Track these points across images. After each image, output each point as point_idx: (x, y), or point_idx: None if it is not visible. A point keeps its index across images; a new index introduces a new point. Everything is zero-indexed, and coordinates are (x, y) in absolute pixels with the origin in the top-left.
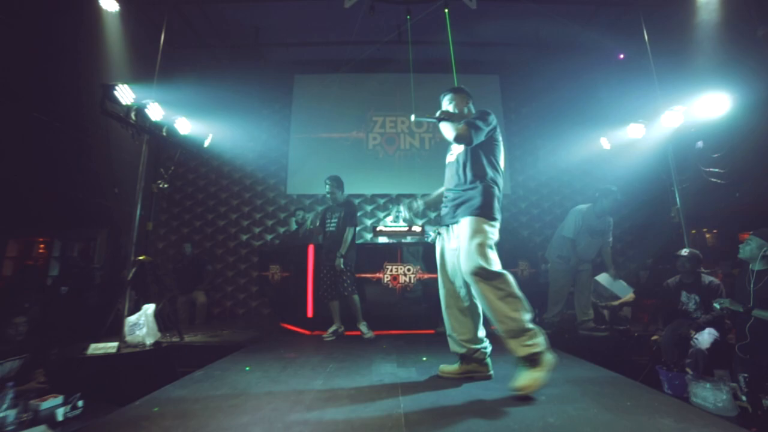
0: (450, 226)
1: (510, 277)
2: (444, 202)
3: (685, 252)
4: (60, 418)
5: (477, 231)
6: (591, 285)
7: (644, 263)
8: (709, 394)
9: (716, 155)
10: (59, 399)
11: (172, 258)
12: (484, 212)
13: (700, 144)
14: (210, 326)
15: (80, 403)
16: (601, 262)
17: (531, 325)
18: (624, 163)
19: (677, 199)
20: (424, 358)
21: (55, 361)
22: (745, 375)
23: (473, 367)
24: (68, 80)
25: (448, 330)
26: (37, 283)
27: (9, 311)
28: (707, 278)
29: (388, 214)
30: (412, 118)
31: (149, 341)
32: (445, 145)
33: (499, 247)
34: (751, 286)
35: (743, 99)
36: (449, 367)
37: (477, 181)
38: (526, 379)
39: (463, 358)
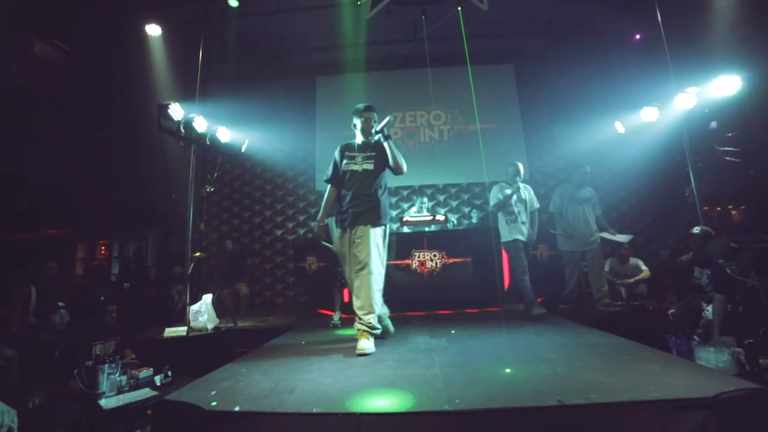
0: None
1: None
2: (357, 203)
3: (696, 230)
4: (158, 383)
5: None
6: (601, 264)
7: (665, 242)
8: (711, 357)
9: (731, 134)
10: (150, 371)
11: (214, 254)
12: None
13: (713, 124)
14: (254, 315)
15: (170, 373)
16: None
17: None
18: (639, 146)
19: (692, 179)
20: (453, 331)
21: (140, 342)
22: (751, 340)
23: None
24: (123, 100)
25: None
26: (105, 280)
27: (91, 304)
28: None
29: (413, 205)
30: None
31: (210, 326)
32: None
33: None
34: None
35: (758, 77)
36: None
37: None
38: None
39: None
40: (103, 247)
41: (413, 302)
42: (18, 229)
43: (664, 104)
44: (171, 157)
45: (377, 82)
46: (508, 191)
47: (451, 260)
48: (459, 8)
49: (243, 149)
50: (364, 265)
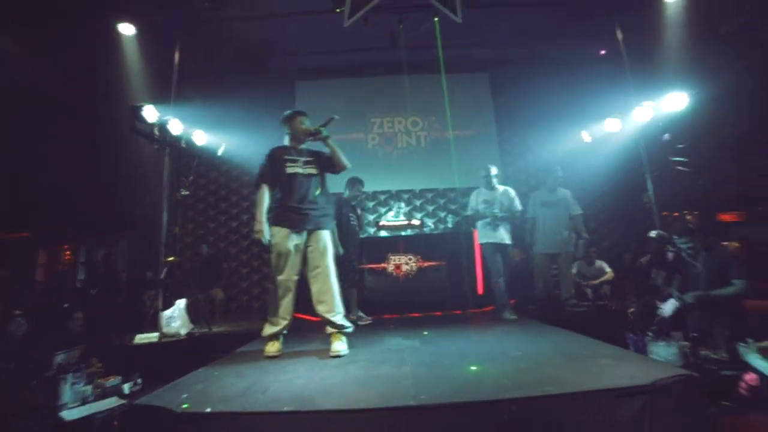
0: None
1: None
2: (318, 208)
3: (653, 234)
4: (126, 391)
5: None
6: (571, 268)
7: (628, 246)
8: (662, 350)
9: (681, 146)
10: (118, 379)
11: (189, 259)
12: None
13: (666, 136)
14: (230, 320)
15: (140, 380)
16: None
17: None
18: (603, 155)
19: (649, 186)
20: (426, 333)
21: (108, 350)
22: (695, 334)
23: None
24: (94, 99)
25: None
26: (70, 286)
27: (50, 311)
28: (669, 255)
29: (390, 209)
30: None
31: (183, 332)
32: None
33: None
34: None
35: (704, 94)
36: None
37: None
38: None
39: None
40: (68, 252)
41: (389, 305)
42: None
43: (625, 116)
44: (145, 160)
45: (356, 89)
46: (483, 197)
47: (426, 264)
48: (436, 19)
49: (219, 153)
50: (324, 268)
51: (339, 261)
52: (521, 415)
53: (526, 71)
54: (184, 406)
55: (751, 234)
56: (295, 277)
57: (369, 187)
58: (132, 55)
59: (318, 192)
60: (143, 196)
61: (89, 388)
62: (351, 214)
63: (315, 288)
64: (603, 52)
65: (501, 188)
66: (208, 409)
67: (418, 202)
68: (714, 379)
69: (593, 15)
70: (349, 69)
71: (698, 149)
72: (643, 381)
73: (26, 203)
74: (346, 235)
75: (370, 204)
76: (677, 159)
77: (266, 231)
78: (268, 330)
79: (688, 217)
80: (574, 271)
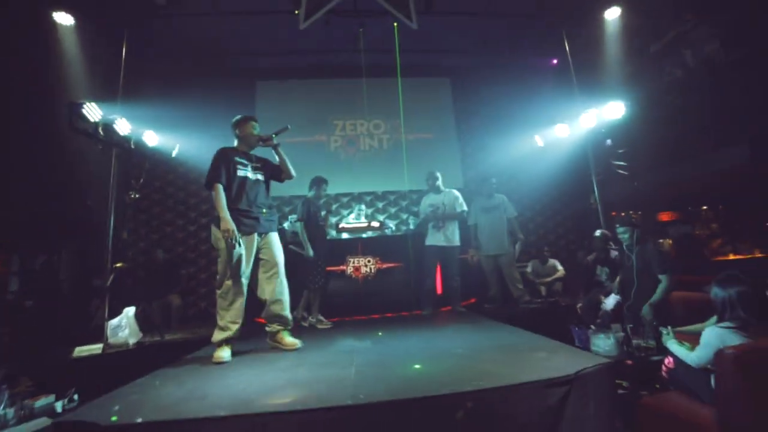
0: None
1: None
2: (263, 214)
3: (598, 233)
4: (59, 410)
5: None
6: (513, 266)
7: (581, 244)
8: (601, 342)
9: (621, 151)
10: (51, 397)
11: (142, 265)
12: None
13: (609, 142)
14: (187, 327)
15: (76, 397)
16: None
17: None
18: (555, 158)
19: (595, 188)
20: (380, 333)
21: (40, 367)
22: (630, 325)
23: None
24: (27, 95)
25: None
26: None
27: None
28: (613, 253)
29: (351, 212)
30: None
31: (132, 341)
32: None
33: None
34: (633, 262)
35: (638, 105)
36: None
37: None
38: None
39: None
40: None
41: (347, 307)
42: None
43: (573, 122)
44: (90, 160)
45: (319, 90)
46: (429, 201)
47: (385, 265)
48: (395, 24)
49: (174, 154)
50: (279, 270)
51: (308, 263)
52: (454, 409)
53: (485, 78)
54: (113, 419)
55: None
56: (245, 281)
57: (331, 189)
58: (71, 48)
59: (270, 197)
60: (85, 198)
61: (11, 410)
62: (318, 214)
63: (270, 288)
64: (555, 61)
65: (446, 191)
66: (139, 420)
67: (380, 204)
68: (644, 365)
69: (543, 27)
70: (312, 70)
71: (635, 154)
72: (568, 371)
73: None
74: (314, 236)
75: (334, 206)
76: (618, 163)
77: (233, 228)
78: (219, 336)
79: (633, 216)
80: (528, 269)
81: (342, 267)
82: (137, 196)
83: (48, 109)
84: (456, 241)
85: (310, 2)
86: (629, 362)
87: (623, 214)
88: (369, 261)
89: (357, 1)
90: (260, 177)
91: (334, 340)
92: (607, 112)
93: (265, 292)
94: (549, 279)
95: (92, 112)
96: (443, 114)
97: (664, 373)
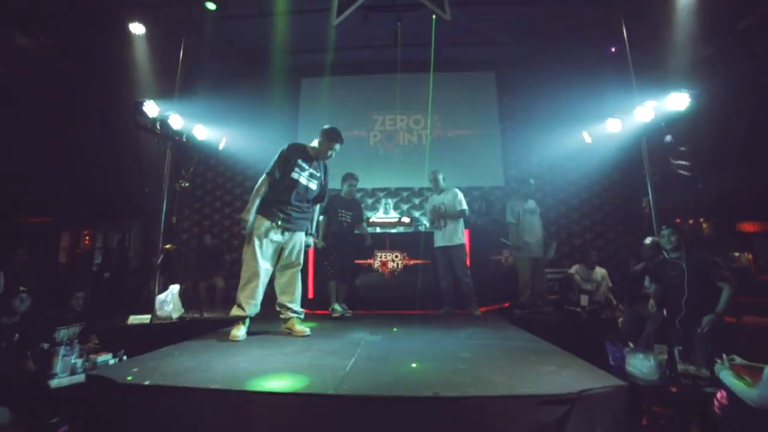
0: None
1: None
2: (303, 213)
3: (648, 240)
4: None
5: None
6: (544, 272)
7: (635, 252)
8: (639, 363)
9: (683, 149)
10: (109, 355)
11: (195, 248)
12: None
13: (668, 138)
14: (228, 307)
15: (124, 357)
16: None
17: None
18: (605, 156)
19: (649, 190)
20: (395, 329)
21: (105, 328)
22: (680, 348)
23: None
24: (105, 95)
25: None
26: (86, 270)
27: (68, 290)
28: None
29: (379, 208)
30: None
31: (175, 315)
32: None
33: (487, 236)
34: (684, 268)
35: (709, 95)
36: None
37: None
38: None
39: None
40: (87, 237)
41: (372, 301)
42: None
43: (627, 116)
44: (149, 152)
45: (359, 86)
46: (432, 202)
47: (413, 261)
48: (434, 16)
49: (220, 147)
50: (296, 267)
51: (320, 255)
52: (437, 414)
53: (533, 70)
54: (128, 378)
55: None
56: (267, 267)
57: (368, 184)
58: (141, 53)
59: (310, 203)
60: (144, 186)
61: (80, 361)
62: (341, 210)
63: (283, 280)
64: (613, 49)
65: (447, 190)
66: (147, 382)
67: (417, 201)
68: (692, 396)
69: (600, 11)
70: (352, 67)
71: (702, 153)
72: (572, 389)
73: (50, 191)
74: (333, 232)
75: (369, 201)
76: (679, 162)
77: (251, 221)
78: (235, 311)
79: (704, 225)
80: (572, 271)
81: (369, 261)
82: (186, 184)
83: (120, 106)
84: (458, 240)
85: None
86: (673, 389)
87: (691, 221)
88: (396, 256)
89: None
90: (313, 186)
91: (348, 330)
92: (668, 103)
93: (278, 282)
94: (593, 289)
95: (151, 108)
96: (487, 109)
97: (716, 410)
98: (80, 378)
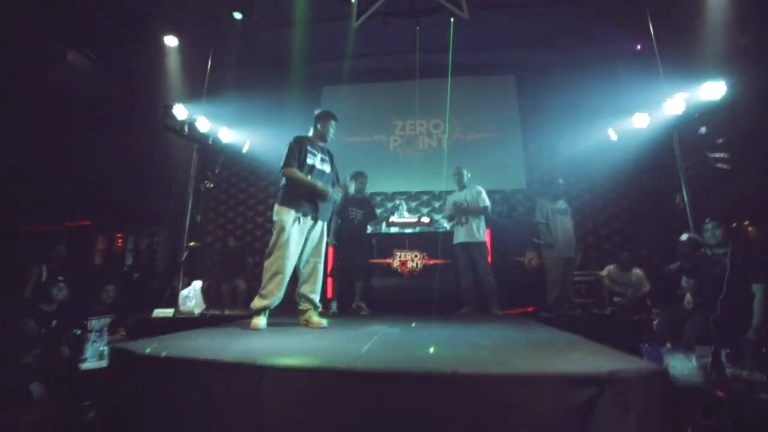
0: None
1: None
2: (328, 201)
3: (684, 237)
4: None
5: None
6: (573, 276)
7: (670, 254)
8: (679, 363)
9: (720, 140)
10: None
11: (218, 250)
12: None
13: (702, 130)
14: (249, 309)
15: None
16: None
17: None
18: (633, 153)
19: (683, 186)
20: (413, 324)
21: (131, 321)
22: (727, 351)
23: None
24: (140, 104)
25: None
26: (118, 269)
27: (100, 284)
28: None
29: (395, 209)
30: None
31: (197, 311)
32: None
33: (508, 239)
34: (726, 265)
35: (748, 85)
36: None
37: None
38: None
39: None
40: (119, 240)
41: (392, 301)
42: (45, 221)
43: (654, 110)
44: (176, 155)
45: (379, 92)
46: (453, 199)
47: (432, 261)
48: (452, 19)
49: (244, 150)
50: (319, 256)
51: (336, 251)
52: (455, 390)
53: (554, 71)
54: (147, 350)
55: None
56: (294, 259)
57: (388, 188)
58: (173, 63)
59: (330, 187)
60: (171, 187)
61: (107, 348)
62: (351, 208)
63: (305, 270)
64: (639, 47)
65: (470, 187)
66: (164, 354)
67: (437, 204)
68: (745, 403)
69: (622, 8)
70: (372, 73)
71: (739, 144)
72: (598, 370)
73: (88, 197)
74: (342, 230)
75: (389, 205)
76: (715, 155)
77: (331, 191)
78: (258, 303)
79: (750, 228)
80: (604, 273)
81: (388, 260)
82: (211, 185)
83: (150, 114)
84: (480, 236)
85: (362, 0)
86: (719, 394)
87: (734, 224)
88: (416, 256)
89: (414, 1)
90: (326, 169)
91: (366, 324)
92: (702, 93)
93: (300, 272)
94: (629, 293)
95: (180, 112)
96: (507, 112)
97: None
98: (107, 362)
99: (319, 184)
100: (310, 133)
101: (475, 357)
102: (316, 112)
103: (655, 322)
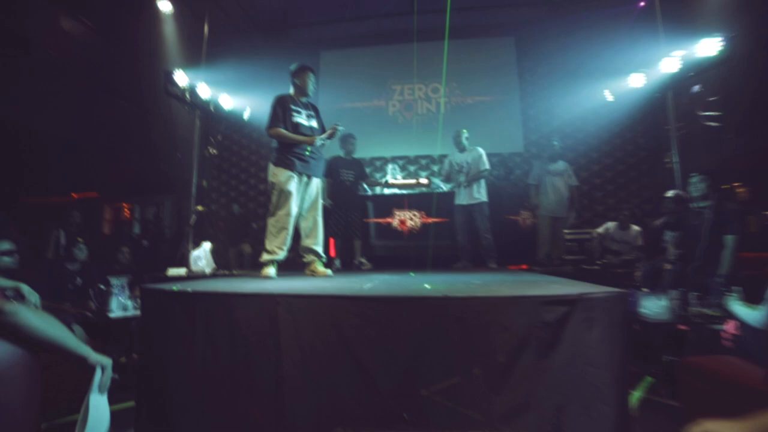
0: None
1: None
2: (316, 156)
3: (670, 193)
4: None
5: None
6: (564, 234)
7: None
8: (651, 304)
9: (713, 99)
10: None
11: (223, 217)
12: None
13: (696, 88)
14: (255, 269)
15: None
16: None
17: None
18: (627, 113)
19: (673, 144)
20: (412, 274)
21: (147, 279)
22: (696, 293)
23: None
24: (139, 71)
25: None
26: (128, 237)
27: (115, 247)
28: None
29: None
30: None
31: (207, 270)
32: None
33: (505, 200)
34: (706, 218)
35: (743, 37)
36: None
37: None
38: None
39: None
40: (126, 210)
41: (392, 258)
42: (55, 193)
43: (651, 69)
44: (178, 122)
45: (377, 56)
46: (454, 160)
47: (430, 220)
48: None
49: (245, 117)
50: (316, 210)
51: (327, 213)
52: (447, 311)
53: (554, 32)
54: (174, 288)
55: None
56: (294, 215)
57: (387, 153)
58: (169, 29)
59: (321, 144)
60: (175, 153)
61: (130, 302)
62: (342, 170)
63: (305, 225)
64: (642, 3)
65: (470, 149)
66: (189, 289)
67: (435, 168)
68: (701, 333)
69: None
70: (370, 37)
71: (735, 103)
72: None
73: (94, 168)
74: (338, 192)
75: (388, 167)
76: (707, 113)
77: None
78: (265, 257)
79: (739, 189)
80: (601, 230)
81: (388, 219)
82: (215, 151)
83: (150, 82)
84: (481, 197)
85: None
86: (682, 327)
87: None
88: (415, 215)
89: None
90: (314, 125)
91: (368, 274)
92: (698, 50)
93: (301, 227)
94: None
95: (181, 78)
96: (506, 75)
97: (727, 342)
98: (132, 313)
99: (301, 139)
100: (291, 91)
101: (465, 288)
102: (291, 67)
103: (636, 274)
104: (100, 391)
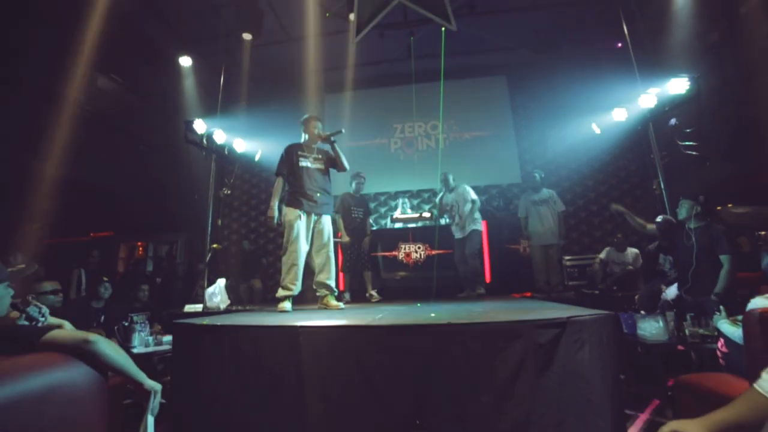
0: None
1: None
2: (319, 197)
3: (660, 219)
4: None
5: None
6: (558, 258)
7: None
8: (648, 325)
9: (689, 130)
10: (170, 336)
11: (234, 254)
12: None
13: (673, 121)
14: (266, 305)
15: None
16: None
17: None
18: (614, 144)
19: (659, 172)
20: (419, 305)
21: (166, 317)
22: (691, 314)
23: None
24: (159, 120)
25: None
26: (141, 275)
27: (135, 285)
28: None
29: (397, 207)
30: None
31: (222, 306)
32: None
33: (505, 229)
34: (693, 241)
35: (713, 77)
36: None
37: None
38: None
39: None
40: (140, 248)
41: (399, 289)
42: (75, 233)
43: (631, 105)
44: (195, 166)
45: (379, 98)
46: (445, 200)
47: (434, 252)
48: (443, 29)
49: (257, 158)
50: (328, 247)
51: (346, 247)
52: (450, 335)
53: (542, 71)
54: (204, 322)
55: None
56: (304, 252)
57: (391, 188)
58: (189, 81)
59: (328, 184)
60: (193, 195)
61: (151, 338)
62: (353, 208)
63: (319, 260)
64: (619, 44)
65: (457, 187)
66: (219, 323)
67: (437, 200)
68: (698, 352)
69: (601, 8)
70: (372, 80)
71: (710, 136)
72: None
73: (111, 208)
74: (350, 228)
75: (392, 203)
76: (686, 143)
77: (276, 216)
78: (281, 293)
79: (734, 211)
80: (602, 256)
81: (394, 252)
82: (228, 192)
83: (172, 128)
84: (474, 227)
85: (361, 17)
86: (680, 348)
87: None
88: (419, 248)
89: (407, 13)
90: (320, 166)
91: (377, 306)
92: (669, 88)
93: (314, 263)
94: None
95: (200, 126)
96: (500, 111)
97: (721, 360)
98: (153, 348)
99: (273, 209)
100: (302, 139)
101: (466, 315)
102: (300, 119)
103: (636, 296)
104: (152, 413)
